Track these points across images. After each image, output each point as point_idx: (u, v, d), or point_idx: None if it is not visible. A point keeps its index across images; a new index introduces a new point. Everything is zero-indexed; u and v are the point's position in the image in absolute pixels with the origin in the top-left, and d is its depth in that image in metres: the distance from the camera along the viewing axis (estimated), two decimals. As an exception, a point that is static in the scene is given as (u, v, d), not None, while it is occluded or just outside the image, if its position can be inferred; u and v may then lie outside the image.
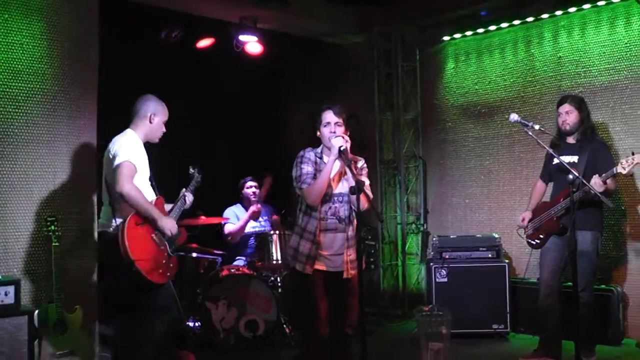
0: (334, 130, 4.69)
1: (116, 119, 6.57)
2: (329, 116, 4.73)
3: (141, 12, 6.73)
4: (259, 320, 6.37)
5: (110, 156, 4.72)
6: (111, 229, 4.68)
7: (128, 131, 4.90)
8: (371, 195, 4.59)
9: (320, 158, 4.81)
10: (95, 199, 5.79)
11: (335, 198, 4.73)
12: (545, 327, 5.66)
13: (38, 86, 5.48)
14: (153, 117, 4.94)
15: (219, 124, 7.73)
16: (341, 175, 4.77)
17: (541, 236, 5.68)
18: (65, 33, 5.66)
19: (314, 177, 4.70)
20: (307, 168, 4.71)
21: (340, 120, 4.73)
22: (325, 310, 4.73)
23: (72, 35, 5.72)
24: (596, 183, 5.13)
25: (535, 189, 6.00)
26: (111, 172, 4.67)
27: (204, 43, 7.68)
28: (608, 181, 5.23)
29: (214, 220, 7.10)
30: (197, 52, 7.65)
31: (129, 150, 4.70)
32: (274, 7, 7.14)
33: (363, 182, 4.41)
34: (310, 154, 4.79)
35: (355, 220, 4.75)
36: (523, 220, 5.81)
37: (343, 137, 4.63)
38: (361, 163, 4.87)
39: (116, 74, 6.67)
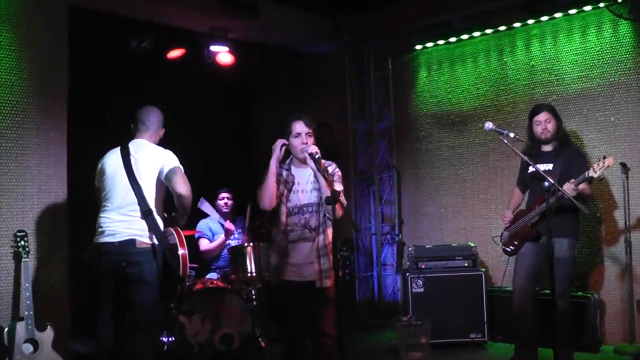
0: (305, 142, 4.68)
1: (86, 130, 6.52)
2: (300, 127, 4.72)
3: (110, 22, 6.64)
4: (234, 333, 6.27)
5: (155, 163, 4.75)
6: (151, 240, 4.69)
7: (150, 143, 4.92)
8: (344, 202, 4.57)
9: (288, 170, 4.81)
10: (65, 212, 5.69)
11: (305, 209, 4.72)
12: (520, 334, 5.66)
13: (7, 98, 5.40)
14: (161, 131, 5.03)
15: (191, 134, 7.65)
16: (310, 185, 4.73)
17: (516, 242, 5.68)
18: (34, 44, 5.60)
19: (278, 189, 4.71)
20: None
21: (311, 131, 4.73)
22: (296, 321, 4.76)
23: (41, 46, 5.66)
24: (568, 188, 5.14)
25: (514, 194, 6.04)
26: (170, 175, 4.71)
27: (175, 54, 7.59)
28: (581, 186, 5.22)
29: (187, 232, 6.98)
30: (168, 62, 7.56)
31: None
32: (245, 17, 7.08)
33: (339, 192, 4.38)
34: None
35: (328, 230, 4.72)
36: (505, 218, 5.82)
37: (315, 147, 4.63)
38: (332, 168, 4.78)
39: (86, 84, 6.58)
